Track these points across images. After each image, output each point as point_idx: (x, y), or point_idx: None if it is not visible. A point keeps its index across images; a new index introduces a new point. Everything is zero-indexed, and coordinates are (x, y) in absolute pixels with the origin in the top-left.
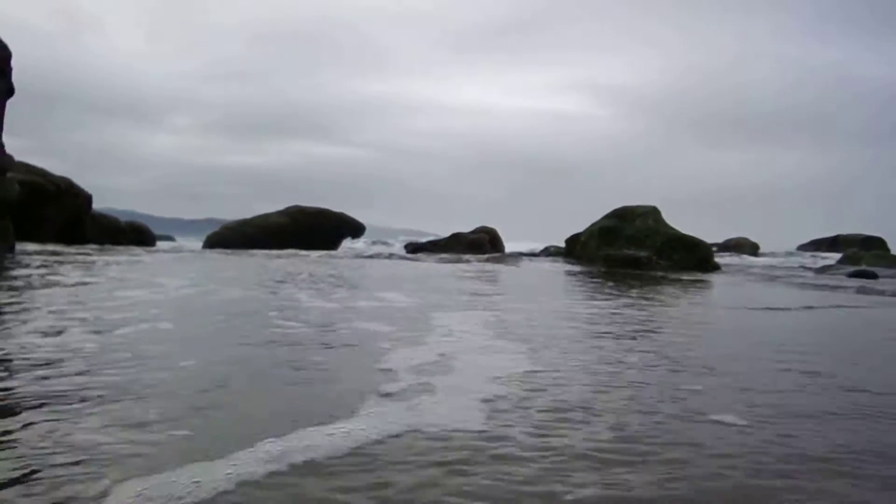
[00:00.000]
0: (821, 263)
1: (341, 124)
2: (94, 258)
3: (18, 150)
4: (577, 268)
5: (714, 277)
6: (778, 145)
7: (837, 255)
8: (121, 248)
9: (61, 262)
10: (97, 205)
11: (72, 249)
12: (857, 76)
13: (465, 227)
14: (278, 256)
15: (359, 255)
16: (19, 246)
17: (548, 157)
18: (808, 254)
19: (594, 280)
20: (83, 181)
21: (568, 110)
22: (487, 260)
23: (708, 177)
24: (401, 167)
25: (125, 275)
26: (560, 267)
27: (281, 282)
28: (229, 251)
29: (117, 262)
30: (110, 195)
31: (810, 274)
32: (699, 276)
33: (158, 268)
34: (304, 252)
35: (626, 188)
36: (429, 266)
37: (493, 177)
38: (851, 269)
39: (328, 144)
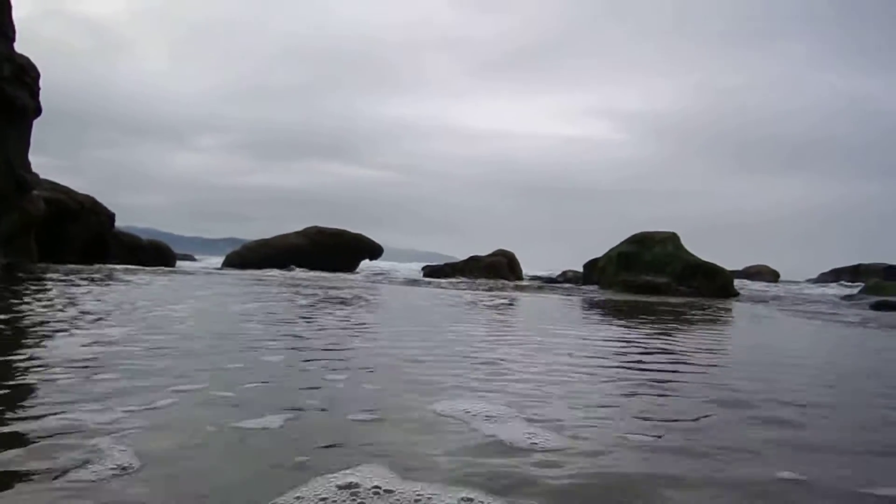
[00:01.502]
0: (844, 293)
1: (363, 146)
2: (82, 281)
3: (44, 167)
4: (619, 297)
5: (750, 310)
6: (799, 173)
7: (859, 285)
8: (136, 268)
9: (35, 289)
10: (119, 223)
11: (70, 270)
12: (872, 104)
13: (483, 250)
14: (288, 279)
15: (374, 281)
16: (40, 265)
17: (567, 181)
18: (832, 284)
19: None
20: (106, 199)
21: (588, 135)
22: (514, 288)
23: (729, 203)
24: (421, 189)
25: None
26: (588, 297)
27: (269, 318)
28: (245, 272)
29: (97, 286)
30: (132, 213)
31: (839, 304)
32: (726, 303)
33: (139, 294)
34: (317, 274)
35: (645, 213)
36: (452, 295)
37: (512, 200)
38: (874, 299)
39: (350, 165)
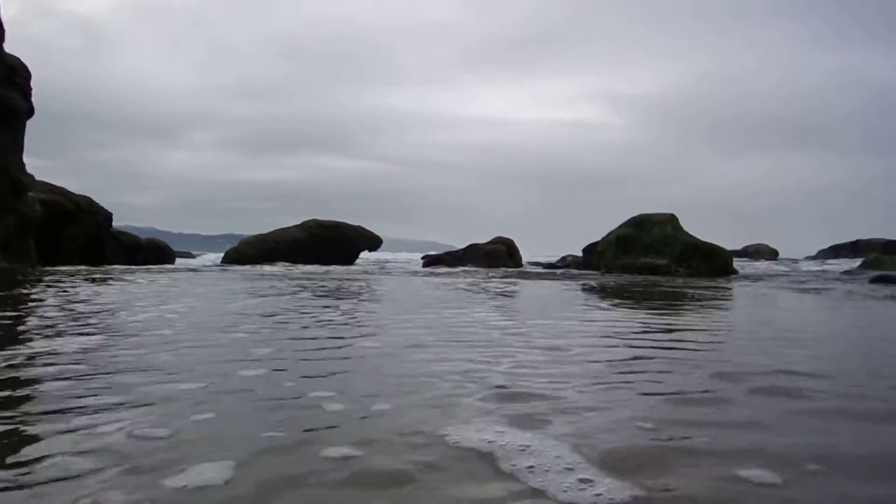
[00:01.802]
0: (843, 268)
1: (361, 138)
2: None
3: (38, 169)
4: (621, 280)
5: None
6: (795, 151)
7: (858, 261)
8: (136, 267)
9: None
10: (117, 223)
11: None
12: (871, 79)
13: (482, 238)
14: (289, 273)
15: (375, 272)
16: (39, 268)
17: (566, 166)
18: (831, 260)
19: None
20: (102, 200)
21: (586, 119)
22: (516, 275)
23: (726, 184)
24: (419, 179)
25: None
26: (588, 281)
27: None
28: (245, 267)
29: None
30: (130, 213)
31: (837, 280)
32: (726, 282)
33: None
34: (317, 268)
35: (644, 197)
36: (455, 285)
37: (511, 187)
38: (873, 273)
39: (348, 158)
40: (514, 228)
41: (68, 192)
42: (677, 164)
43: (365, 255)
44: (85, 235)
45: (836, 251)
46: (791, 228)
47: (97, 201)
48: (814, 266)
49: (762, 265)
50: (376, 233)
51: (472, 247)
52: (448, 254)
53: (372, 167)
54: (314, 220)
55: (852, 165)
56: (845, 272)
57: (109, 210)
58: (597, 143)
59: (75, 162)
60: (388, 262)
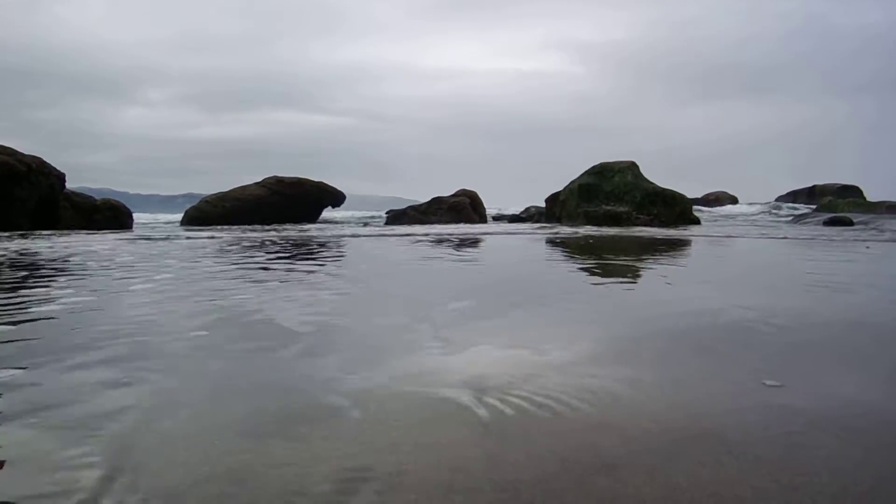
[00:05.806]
0: (798, 213)
1: (316, 92)
2: None
3: None
4: (582, 231)
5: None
6: (755, 98)
7: (815, 206)
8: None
9: None
10: (70, 184)
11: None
12: (830, 25)
13: (446, 192)
14: (223, 244)
15: (345, 233)
16: None
17: (527, 118)
18: (787, 204)
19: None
20: (53, 160)
21: (545, 68)
22: (503, 232)
23: (688, 134)
24: (378, 134)
25: None
26: (552, 231)
27: None
28: (199, 230)
29: None
30: (84, 174)
31: (786, 224)
32: (686, 230)
33: None
34: (272, 228)
35: (606, 146)
36: (422, 243)
37: (473, 140)
38: (827, 216)
39: (304, 113)
40: (477, 182)
41: (17, 151)
42: (635, 112)
43: (327, 212)
44: (37, 197)
45: (793, 196)
46: (750, 176)
47: (48, 162)
48: (770, 211)
49: (722, 211)
50: (341, 189)
51: (436, 200)
52: (412, 207)
53: (330, 121)
54: (275, 177)
55: (811, 111)
56: (799, 216)
57: (62, 170)
58: (559, 94)
59: (19, 121)
60: (353, 219)
